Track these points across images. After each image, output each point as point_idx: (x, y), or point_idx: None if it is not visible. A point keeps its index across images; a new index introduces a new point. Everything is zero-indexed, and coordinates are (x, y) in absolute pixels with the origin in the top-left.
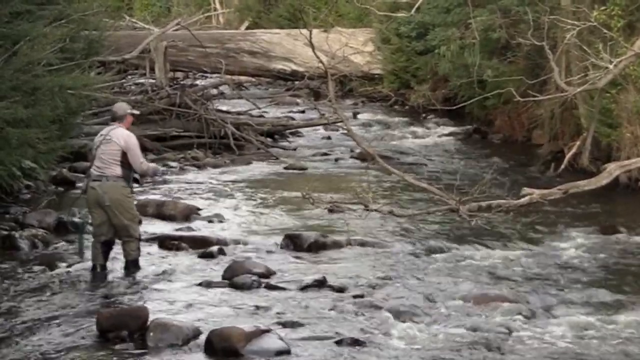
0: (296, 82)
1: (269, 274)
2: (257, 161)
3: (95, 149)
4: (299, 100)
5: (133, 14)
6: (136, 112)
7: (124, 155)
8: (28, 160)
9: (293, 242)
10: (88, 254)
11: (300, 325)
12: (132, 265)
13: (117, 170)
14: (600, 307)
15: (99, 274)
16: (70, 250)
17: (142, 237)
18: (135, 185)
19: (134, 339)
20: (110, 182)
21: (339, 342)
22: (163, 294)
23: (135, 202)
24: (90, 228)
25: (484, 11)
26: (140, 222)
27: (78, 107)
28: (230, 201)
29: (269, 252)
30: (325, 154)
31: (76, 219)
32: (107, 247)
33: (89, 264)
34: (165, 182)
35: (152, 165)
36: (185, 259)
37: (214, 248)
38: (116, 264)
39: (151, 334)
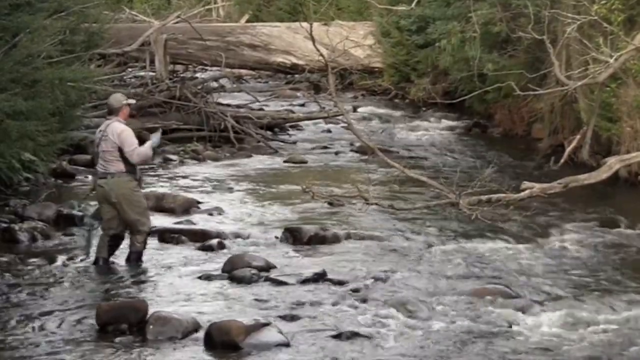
0: (296, 76)
1: (268, 267)
2: (257, 154)
3: (96, 147)
4: (299, 94)
5: (133, 6)
6: (132, 101)
7: (122, 150)
8: (28, 152)
9: (293, 236)
10: (92, 251)
11: (300, 318)
12: (134, 257)
13: (120, 166)
14: (600, 301)
15: (100, 267)
16: (71, 244)
17: None
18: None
19: (133, 332)
20: (115, 178)
21: (338, 336)
22: (163, 287)
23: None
24: (86, 220)
25: (484, 4)
26: None
27: (78, 100)
28: (229, 194)
29: (268, 245)
30: (325, 148)
31: (77, 212)
32: (114, 241)
33: (90, 258)
34: (165, 175)
35: (146, 146)
36: (185, 252)
37: (214, 241)
38: (116, 258)
39: (151, 327)
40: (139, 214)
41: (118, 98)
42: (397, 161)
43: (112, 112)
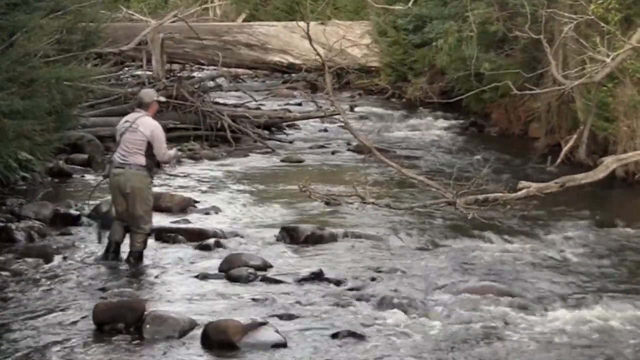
0: (293, 75)
1: (265, 266)
2: (254, 154)
3: (120, 135)
4: (296, 93)
5: (130, 5)
6: (162, 99)
7: (149, 145)
8: (24, 151)
9: (290, 235)
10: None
11: (297, 318)
12: (135, 257)
13: (141, 160)
14: (596, 300)
15: (103, 263)
16: (68, 244)
17: None
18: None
19: (130, 332)
20: (133, 170)
21: (335, 335)
22: (159, 287)
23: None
24: (85, 219)
25: (481, 4)
26: None
27: (75, 99)
28: (226, 193)
29: (265, 244)
30: (322, 147)
31: (74, 211)
32: (127, 230)
33: (84, 255)
34: (162, 174)
35: (172, 152)
36: (182, 252)
37: (211, 240)
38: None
39: (147, 326)
40: (145, 211)
41: (150, 93)
42: (394, 160)
43: (142, 105)
